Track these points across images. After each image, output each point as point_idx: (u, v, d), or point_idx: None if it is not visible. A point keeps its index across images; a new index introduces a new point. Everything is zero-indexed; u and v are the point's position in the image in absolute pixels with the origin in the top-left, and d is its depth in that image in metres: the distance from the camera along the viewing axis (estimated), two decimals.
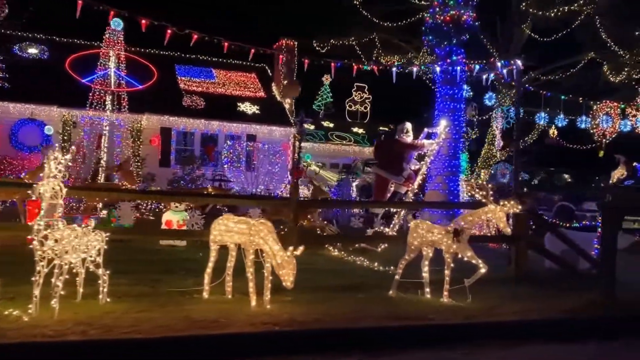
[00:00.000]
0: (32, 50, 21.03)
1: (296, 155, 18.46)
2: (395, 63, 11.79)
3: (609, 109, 14.20)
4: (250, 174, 18.21)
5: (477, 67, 10.18)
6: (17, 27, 18.82)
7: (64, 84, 19.46)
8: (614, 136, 15.16)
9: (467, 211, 6.99)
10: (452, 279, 6.59)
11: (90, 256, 5.38)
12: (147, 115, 19.57)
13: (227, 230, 5.82)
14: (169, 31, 12.83)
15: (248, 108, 22.24)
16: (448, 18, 10.32)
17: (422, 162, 10.55)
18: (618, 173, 18.49)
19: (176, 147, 20.42)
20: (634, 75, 15.53)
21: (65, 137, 17.95)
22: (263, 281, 5.77)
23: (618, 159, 18.64)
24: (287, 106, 23.26)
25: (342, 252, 9.83)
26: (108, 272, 5.58)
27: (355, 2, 21.98)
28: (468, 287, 6.59)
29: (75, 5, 9.29)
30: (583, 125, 15.64)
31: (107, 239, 5.62)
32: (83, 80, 20.62)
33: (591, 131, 15.23)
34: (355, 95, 30.16)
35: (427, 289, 6.70)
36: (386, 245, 10.28)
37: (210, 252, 6.08)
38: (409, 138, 10.43)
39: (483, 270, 6.52)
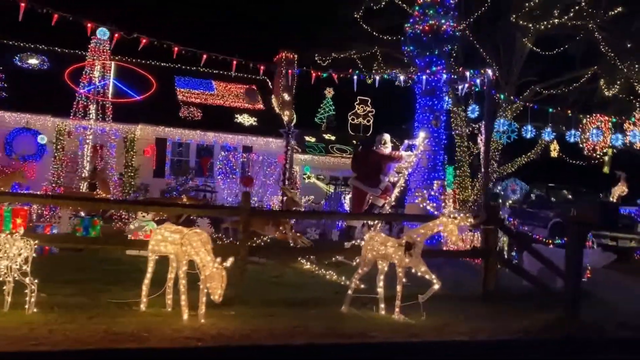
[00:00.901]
0: (33, 61, 21.22)
1: (287, 165, 18.42)
2: (385, 74, 11.54)
3: (599, 123, 13.79)
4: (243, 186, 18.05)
5: (445, 76, 9.92)
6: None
7: (62, 93, 19.51)
8: (605, 150, 14.72)
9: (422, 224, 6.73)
10: (403, 295, 6.33)
11: (16, 264, 5.22)
12: (141, 125, 19.57)
13: (162, 239, 5.64)
14: (175, 48, 12.98)
15: (245, 120, 22.17)
16: (427, 28, 10.11)
17: (399, 174, 10.31)
18: (619, 190, 18.05)
19: (171, 158, 20.38)
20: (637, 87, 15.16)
21: (59, 147, 17.95)
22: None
23: (619, 176, 18.21)
24: (285, 118, 23.14)
25: (315, 266, 9.57)
26: (37, 281, 5.41)
27: (355, 15, 21.92)
28: (422, 303, 6.31)
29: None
30: (572, 139, 15.23)
31: (34, 247, 5.44)
32: (81, 91, 20.81)
33: (581, 145, 14.81)
34: (358, 109, 29.99)
35: (382, 305, 6.44)
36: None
37: (148, 263, 5.90)
38: (386, 149, 10.19)
39: (436, 287, 6.25)
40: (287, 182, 16.17)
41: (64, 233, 9.71)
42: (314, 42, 23.75)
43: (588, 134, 13.74)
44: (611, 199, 18.54)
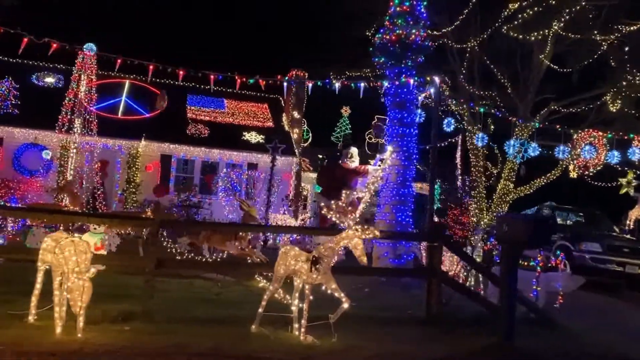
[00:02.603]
0: (49, 80, 21.85)
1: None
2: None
3: (592, 139, 12.87)
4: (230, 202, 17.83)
5: (386, 84, 9.39)
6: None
7: (73, 111, 19.94)
8: (598, 168, 13.74)
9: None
10: (308, 314, 5.87)
11: None
12: (146, 142, 19.74)
13: (46, 249, 5.40)
14: (180, 72, 13.13)
15: (253, 137, 22.09)
16: (394, 37, 9.70)
17: (365, 190, 9.80)
18: (636, 212, 16.91)
19: (176, 175, 20.45)
20: None
21: (63, 162, 18.27)
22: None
23: (636, 197, 17.07)
24: (295, 136, 22.95)
25: (269, 283, 9.15)
26: None
27: (367, 33, 21.63)
28: (333, 324, 5.85)
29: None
30: (561, 156, 14.31)
31: None
32: (92, 108, 21.27)
33: (571, 162, 13.88)
34: (374, 127, 29.54)
35: (296, 325, 5.98)
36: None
37: (37, 273, 5.66)
38: (353, 164, 9.76)
39: (346, 305, 5.79)
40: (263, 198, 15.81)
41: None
42: (327, 60, 23.66)
43: (579, 150, 12.86)
44: (628, 222, 17.39)
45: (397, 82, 9.77)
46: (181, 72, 11.20)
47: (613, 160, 13.11)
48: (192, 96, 23.52)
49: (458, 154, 11.54)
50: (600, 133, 13.26)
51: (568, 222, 16.13)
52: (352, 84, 9.49)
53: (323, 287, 5.92)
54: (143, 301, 6.27)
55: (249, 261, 9.49)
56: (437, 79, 9.13)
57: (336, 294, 5.80)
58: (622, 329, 8.38)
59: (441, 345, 5.97)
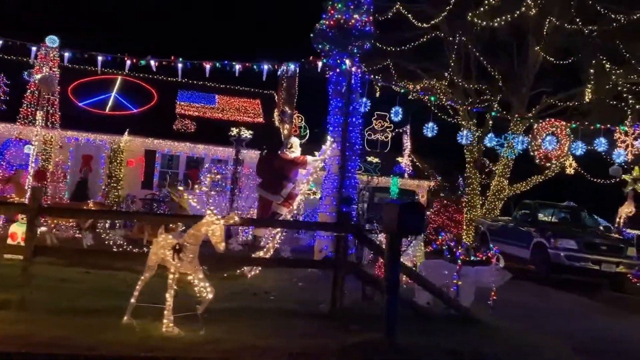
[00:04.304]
0: (38, 76, 22.00)
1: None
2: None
3: (554, 129, 12.15)
4: (218, 199, 17.59)
5: (291, 65, 8.96)
6: None
7: (61, 107, 20.09)
8: (562, 160, 13.02)
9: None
10: (172, 305, 5.57)
11: None
12: (130, 137, 19.71)
13: None
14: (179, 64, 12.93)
15: (241, 133, 21.88)
16: (333, 23, 9.33)
17: (304, 181, 9.49)
18: (626, 209, 16.14)
19: (160, 170, 20.40)
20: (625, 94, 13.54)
21: (44, 157, 18.34)
22: None
23: (626, 194, 16.29)
24: (285, 132, 22.66)
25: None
26: None
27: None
28: (200, 315, 5.57)
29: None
30: (520, 146, 13.61)
31: None
32: (80, 104, 21.41)
33: (532, 153, 13.18)
34: (376, 124, 29.08)
35: (171, 317, 5.69)
36: (258, 270, 9.26)
37: None
38: (292, 154, 9.43)
39: (210, 296, 5.49)
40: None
41: None
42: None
43: (540, 140, 12.19)
44: (617, 219, 16.62)
45: (338, 70, 9.40)
46: (154, 63, 10.76)
47: (577, 152, 12.47)
48: (183, 92, 23.48)
49: (406, 144, 10.90)
50: (563, 123, 12.60)
51: (553, 218, 15.46)
52: (287, 64, 8.95)
53: (190, 277, 5.63)
54: (18, 289, 6.08)
55: None
56: (347, 61, 8.73)
57: (201, 284, 5.51)
58: (566, 333, 7.86)
59: (320, 340, 5.62)
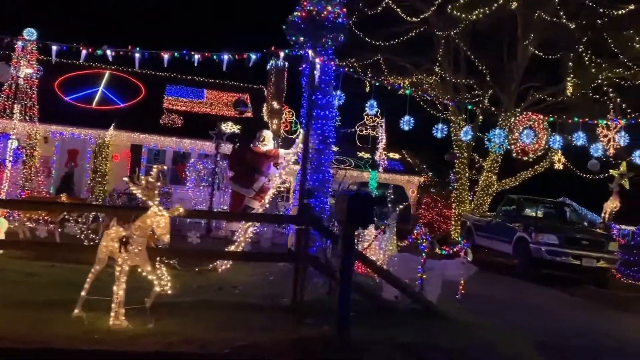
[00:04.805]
0: (28, 71, 21.84)
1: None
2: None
3: (531, 122, 12.01)
4: (201, 192, 17.50)
5: (253, 56, 8.85)
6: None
7: (46, 101, 19.97)
8: (539, 153, 12.91)
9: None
10: (119, 297, 5.48)
11: None
12: (116, 131, 19.59)
13: None
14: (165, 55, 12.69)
15: (229, 128, 21.71)
16: (305, 14, 9.23)
17: (275, 175, 9.40)
18: (611, 205, 16.05)
19: (146, 165, 20.29)
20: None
21: (28, 152, 18.21)
22: None
23: (612, 189, 16.20)
24: (274, 127, 22.54)
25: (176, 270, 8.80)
26: None
27: (350, 22, 21.05)
28: (149, 308, 5.49)
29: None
30: (497, 140, 13.50)
31: None
32: (66, 98, 21.29)
33: (508, 147, 13.05)
34: (367, 120, 28.94)
35: (123, 310, 5.61)
36: (229, 264, 9.17)
37: None
38: (265, 147, 9.32)
39: (157, 289, 5.43)
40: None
41: None
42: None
43: (517, 134, 12.05)
44: (603, 215, 16.53)
45: (316, 62, 9.27)
46: (110, 52, 10.43)
47: (555, 145, 12.36)
48: (172, 86, 23.37)
49: (382, 136, 10.80)
50: (540, 116, 12.48)
51: (537, 213, 15.38)
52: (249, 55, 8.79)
53: (139, 269, 5.55)
54: None
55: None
56: (310, 52, 8.65)
57: (150, 277, 5.43)
58: (534, 328, 7.79)
59: (272, 333, 5.54)
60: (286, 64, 24.61)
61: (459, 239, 7.54)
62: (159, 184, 5.43)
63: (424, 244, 7.19)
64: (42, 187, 17.90)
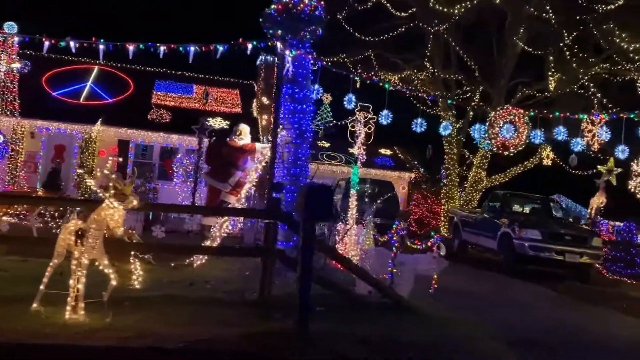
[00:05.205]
0: (15, 65, 21.76)
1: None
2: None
3: (511, 117, 11.94)
4: (188, 188, 17.41)
5: (220, 47, 8.73)
6: None
7: (33, 96, 19.91)
8: (520, 148, 12.84)
9: None
10: (77, 292, 5.42)
11: None
12: (103, 127, 19.47)
13: None
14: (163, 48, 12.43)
15: (217, 123, 21.66)
16: (281, 7, 9.14)
17: (253, 169, 9.33)
18: (597, 201, 16.00)
19: (134, 160, 20.19)
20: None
21: (13, 147, 18.13)
22: None
23: (598, 185, 16.16)
24: (263, 122, 22.47)
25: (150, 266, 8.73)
26: None
27: (338, 16, 20.94)
28: (106, 302, 5.43)
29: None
30: (477, 135, 13.46)
31: None
32: (54, 94, 21.18)
33: (488, 141, 13.00)
34: (359, 116, 28.82)
35: (82, 304, 5.55)
36: (204, 259, 9.11)
37: None
38: (241, 141, 9.26)
39: (114, 283, 5.35)
40: None
41: None
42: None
43: (497, 128, 12.00)
44: (589, 211, 16.49)
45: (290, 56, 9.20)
46: (73, 44, 10.10)
47: (537, 140, 12.31)
48: (161, 82, 23.26)
49: (360, 131, 10.72)
50: (521, 111, 12.40)
51: (523, 209, 15.36)
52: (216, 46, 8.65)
53: (96, 263, 5.48)
54: None
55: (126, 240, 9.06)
56: (279, 44, 8.58)
57: (106, 270, 5.37)
58: (508, 323, 7.74)
59: (234, 328, 5.48)
60: (276, 59, 24.57)
61: (432, 233, 7.47)
62: (114, 176, 5.35)
63: (395, 239, 7.13)
64: (23, 182, 17.86)
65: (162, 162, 20.56)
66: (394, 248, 7.22)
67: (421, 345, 5.68)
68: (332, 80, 15.93)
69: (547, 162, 19.75)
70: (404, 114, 18.39)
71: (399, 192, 25.83)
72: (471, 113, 21.41)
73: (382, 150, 27.65)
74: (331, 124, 24.79)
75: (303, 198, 4.95)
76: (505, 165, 21.97)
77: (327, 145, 27.08)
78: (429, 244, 7.54)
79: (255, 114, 23.17)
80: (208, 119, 16.32)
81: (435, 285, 7.76)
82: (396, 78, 21.90)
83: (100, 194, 5.37)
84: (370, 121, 29.10)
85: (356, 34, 20.87)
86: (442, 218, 21.48)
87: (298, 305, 5.31)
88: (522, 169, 21.52)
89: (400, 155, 27.46)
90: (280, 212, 6.59)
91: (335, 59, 21.82)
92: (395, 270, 7.15)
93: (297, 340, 5.10)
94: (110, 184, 5.25)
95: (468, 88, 21.45)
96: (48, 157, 19.77)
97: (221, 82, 24.47)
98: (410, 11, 19.44)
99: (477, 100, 20.62)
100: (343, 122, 27.06)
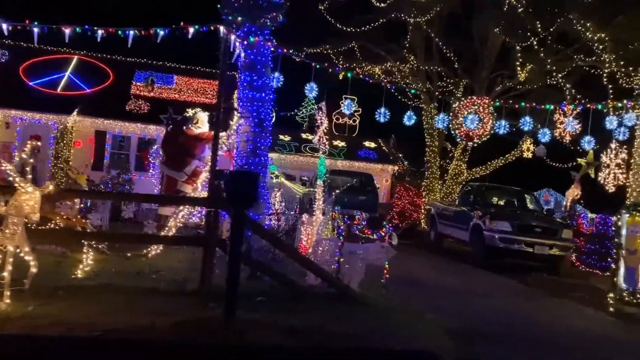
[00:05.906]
0: None
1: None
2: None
3: (475, 107, 11.83)
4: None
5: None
6: None
7: (9, 85, 19.69)
8: (484, 139, 12.73)
9: None
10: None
11: None
12: (79, 117, 19.27)
13: None
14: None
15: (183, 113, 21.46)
16: None
17: (207, 158, 9.20)
18: (572, 193, 15.92)
19: (111, 151, 20.01)
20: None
21: None
22: None
23: (573, 177, 16.08)
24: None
25: (104, 255, 8.59)
26: None
27: (321, 7, 20.73)
28: (27, 289, 5.29)
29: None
30: (441, 125, 13.35)
31: None
32: (31, 83, 20.93)
33: (452, 132, 12.89)
34: (344, 108, 28.67)
35: (8, 292, 5.42)
36: (159, 249, 8.97)
37: None
38: (198, 130, 9.12)
39: (34, 270, 5.22)
40: None
41: None
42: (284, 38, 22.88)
43: (461, 118, 11.87)
44: (565, 203, 16.42)
45: (245, 42, 9.07)
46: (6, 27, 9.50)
47: (501, 131, 12.22)
48: (141, 72, 23.00)
49: (322, 120, 10.49)
50: (486, 100, 12.29)
51: (497, 201, 15.28)
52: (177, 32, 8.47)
53: (18, 250, 5.34)
54: None
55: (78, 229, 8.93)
56: (222, 29, 8.42)
57: (27, 257, 5.23)
58: (458, 314, 7.67)
59: (164, 317, 5.34)
60: (223, 45, 24.30)
61: (384, 223, 7.37)
62: (31, 160, 5.21)
63: (341, 227, 7.01)
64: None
65: (139, 153, 20.35)
66: (341, 237, 7.10)
67: (355, 334, 5.57)
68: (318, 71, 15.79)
69: (527, 154, 19.66)
70: (387, 106, 18.29)
71: (382, 184, 25.77)
72: (454, 106, 21.29)
73: (367, 143, 27.51)
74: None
75: (226, 184, 4.83)
76: (486, 158, 21.93)
77: (310, 137, 26.93)
78: (382, 232, 7.42)
79: (236, 105, 23.10)
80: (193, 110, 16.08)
81: (387, 276, 7.65)
82: (378, 70, 21.74)
83: (13, 178, 5.22)
84: (355, 113, 28.99)
85: (338, 25, 20.69)
86: (423, 210, 21.40)
87: (225, 293, 5.18)
88: (503, 161, 21.45)
89: (384, 148, 27.33)
90: (220, 200, 6.44)
91: (319, 50, 21.69)
92: (342, 260, 7.03)
93: (223, 330, 4.98)
94: (27, 168, 5.11)
95: (451, 80, 21.31)
96: (23, 147, 19.53)
97: (202, 72, 24.21)
98: (389, 1, 19.24)
99: (460, 92, 20.49)
100: (338, 117, 26.94)
